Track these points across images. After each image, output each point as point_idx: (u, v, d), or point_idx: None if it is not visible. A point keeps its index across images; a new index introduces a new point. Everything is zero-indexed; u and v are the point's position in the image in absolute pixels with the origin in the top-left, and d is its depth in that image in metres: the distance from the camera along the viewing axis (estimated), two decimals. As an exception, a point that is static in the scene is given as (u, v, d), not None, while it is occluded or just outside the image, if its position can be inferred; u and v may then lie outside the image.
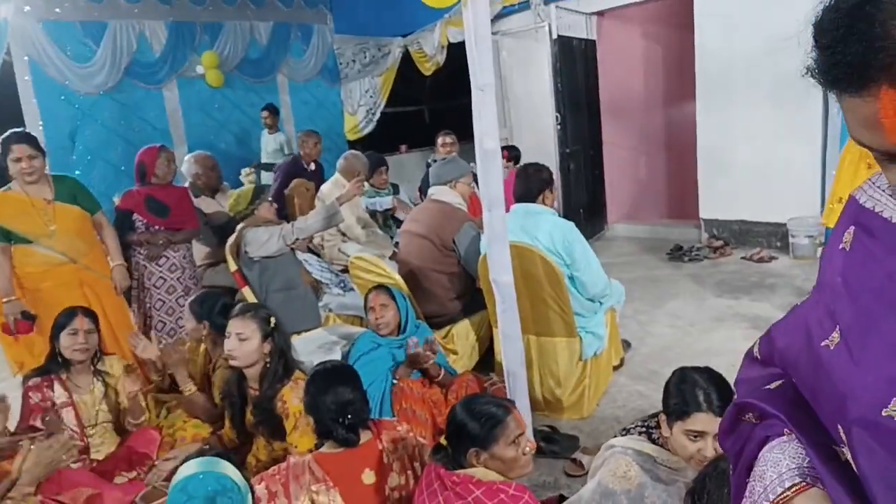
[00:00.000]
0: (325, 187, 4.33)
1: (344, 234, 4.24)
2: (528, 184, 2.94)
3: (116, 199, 4.20)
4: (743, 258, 5.26)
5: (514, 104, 7.06)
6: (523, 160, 6.48)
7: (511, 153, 5.44)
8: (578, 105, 6.26)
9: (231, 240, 3.64)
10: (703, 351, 3.64)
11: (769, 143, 5.19)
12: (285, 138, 6.94)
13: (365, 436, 1.94)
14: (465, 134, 5.18)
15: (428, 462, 1.72)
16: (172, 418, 2.78)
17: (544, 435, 2.81)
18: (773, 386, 0.72)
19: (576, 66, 6.14)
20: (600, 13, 6.20)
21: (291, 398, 2.42)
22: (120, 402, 2.76)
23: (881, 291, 0.56)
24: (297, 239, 3.48)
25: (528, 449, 1.64)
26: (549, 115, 6.40)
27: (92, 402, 2.70)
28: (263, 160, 6.75)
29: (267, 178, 6.40)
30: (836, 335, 0.61)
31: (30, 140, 3.30)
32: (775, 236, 5.37)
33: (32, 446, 2.13)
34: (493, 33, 6.90)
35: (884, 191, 0.61)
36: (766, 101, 5.11)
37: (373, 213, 4.56)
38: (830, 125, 4.85)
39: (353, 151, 4.50)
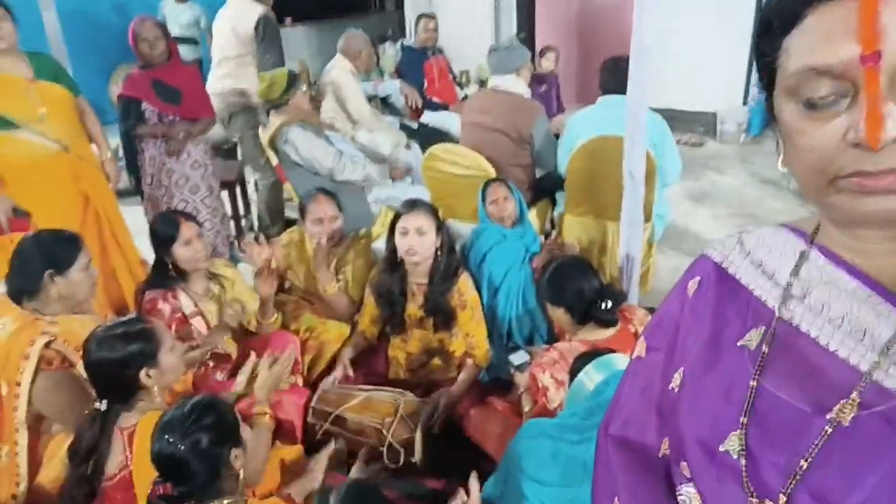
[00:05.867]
0: (334, 75, 3.99)
1: (355, 122, 4.04)
2: (622, 77, 3.05)
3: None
4: (678, 142, 5.86)
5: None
6: (458, 43, 6.44)
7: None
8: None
9: (269, 132, 3.34)
10: (703, 226, 4.20)
11: (699, 34, 5.66)
12: (201, 10, 6.09)
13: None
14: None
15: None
16: (305, 320, 2.66)
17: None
18: None
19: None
20: None
21: (468, 289, 2.48)
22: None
23: (713, 337, 0.67)
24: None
25: None
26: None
27: (217, 309, 2.50)
28: (174, 33, 5.89)
29: (181, 53, 5.63)
30: (677, 377, 0.70)
31: None
32: (698, 122, 6.02)
33: (262, 365, 2.00)
34: None
35: (738, 253, 0.69)
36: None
37: (369, 99, 4.34)
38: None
39: (352, 30, 4.17)
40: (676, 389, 0.70)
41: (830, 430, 0.56)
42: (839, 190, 0.52)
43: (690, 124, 6.06)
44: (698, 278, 0.72)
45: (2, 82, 2.77)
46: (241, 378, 2.00)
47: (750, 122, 5.67)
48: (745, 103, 5.75)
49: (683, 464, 0.66)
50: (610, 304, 2.06)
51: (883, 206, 0.50)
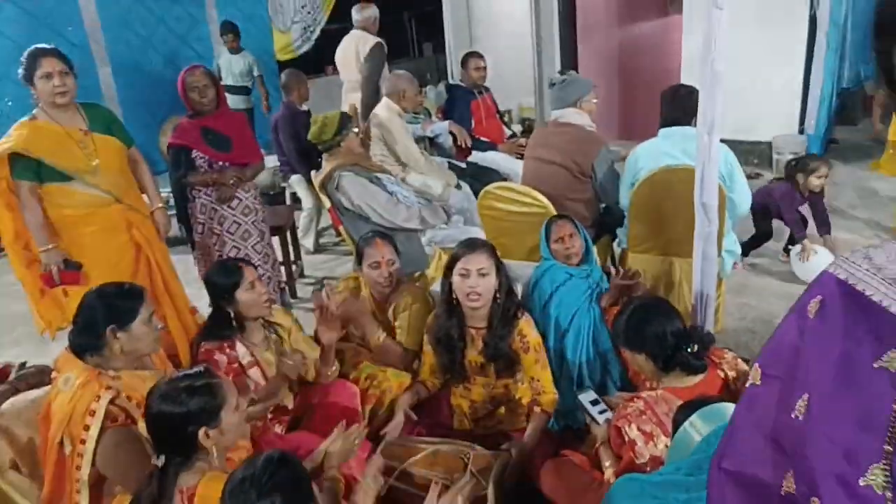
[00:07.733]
0: (381, 117, 3.97)
1: (405, 165, 3.98)
2: (683, 107, 2.94)
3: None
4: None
5: (481, 21, 6.86)
6: (500, 82, 6.42)
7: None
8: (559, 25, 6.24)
9: (321, 176, 3.29)
10: (769, 261, 3.99)
11: (753, 64, 5.52)
12: (254, 59, 6.23)
13: (702, 365, 1.94)
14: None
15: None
16: (365, 368, 2.55)
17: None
18: None
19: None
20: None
21: (530, 331, 2.35)
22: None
23: (843, 358, 0.61)
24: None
25: None
26: (524, 35, 6.31)
27: (275, 359, 2.41)
28: (228, 83, 6.03)
29: (234, 102, 5.75)
30: (801, 404, 0.64)
31: (60, 54, 2.78)
32: (753, 154, 5.83)
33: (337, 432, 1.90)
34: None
35: (867, 269, 0.63)
36: (752, 21, 5.37)
37: (417, 141, 4.30)
38: (816, 48, 5.28)
39: (396, 71, 4.16)
40: (801, 417, 0.64)
41: None
42: None
43: (745, 155, 5.85)
44: (820, 298, 0.67)
45: (59, 135, 2.79)
46: (326, 448, 1.88)
47: (808, 150, 5.46)
48: (801, 132, 5.54)
49: (815, 500, 0.60)
50: (696, 348, 1.89)
51: None
